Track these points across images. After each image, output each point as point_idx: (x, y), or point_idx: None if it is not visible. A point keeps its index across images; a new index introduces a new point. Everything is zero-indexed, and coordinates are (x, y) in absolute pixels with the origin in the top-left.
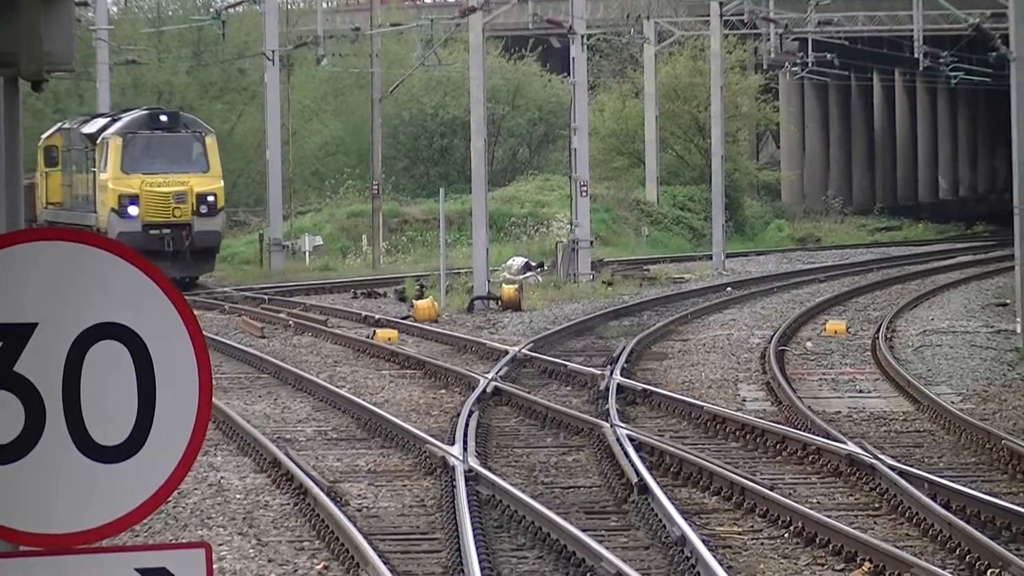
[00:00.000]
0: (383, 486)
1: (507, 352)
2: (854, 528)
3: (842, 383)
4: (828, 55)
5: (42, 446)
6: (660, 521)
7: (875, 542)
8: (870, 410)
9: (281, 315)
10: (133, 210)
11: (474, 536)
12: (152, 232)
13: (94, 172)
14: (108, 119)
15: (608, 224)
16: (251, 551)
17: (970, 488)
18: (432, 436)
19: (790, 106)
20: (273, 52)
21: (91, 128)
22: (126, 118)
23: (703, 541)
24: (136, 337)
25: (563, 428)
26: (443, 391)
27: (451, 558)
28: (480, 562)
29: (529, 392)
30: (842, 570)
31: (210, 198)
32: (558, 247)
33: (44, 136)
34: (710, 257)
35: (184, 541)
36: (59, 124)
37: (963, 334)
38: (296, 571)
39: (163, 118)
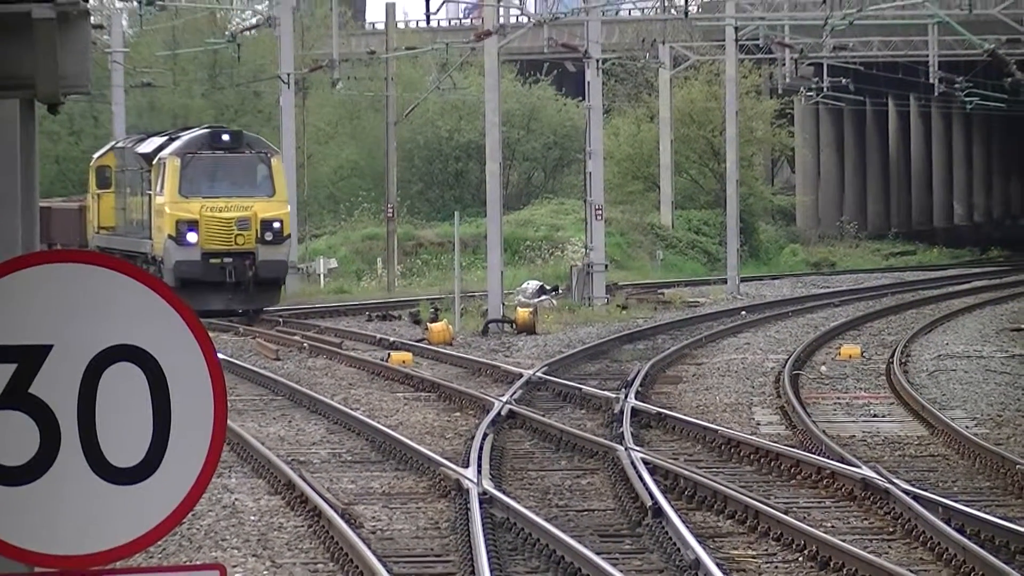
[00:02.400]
0: (397, 508)
1: (521, 375)
2: (868, 552)
3: (856, 407)
4: (843, 80)
5: (57, 467)
6: (674, 544)
7: (889, 566)
8: (884, 434)
9: (296, 337)
10: (192, 237)
11: (488, 559)
12: (212, 261)
13: (150, 195)
14: (166, 138)
15: (623, 248)
16: (265, 573)
17: (984, 512)
18: (447, 459)
19: (805, 131)
20: (288, 75)
21: (147, 147)
22: (185, 137)
23: (717, 564)
24: (151, 359)
25: (577, 451)
26: (457, 414)
27: None
28: None
29: (543, 415)
30: None
31: (276, 224)
32: (573, 270)
33: (96, 155)
34: (725, 281)
35: (198, 563)
36: (112, 142)
37: (978, 359)
38: None
39: (225, 137)
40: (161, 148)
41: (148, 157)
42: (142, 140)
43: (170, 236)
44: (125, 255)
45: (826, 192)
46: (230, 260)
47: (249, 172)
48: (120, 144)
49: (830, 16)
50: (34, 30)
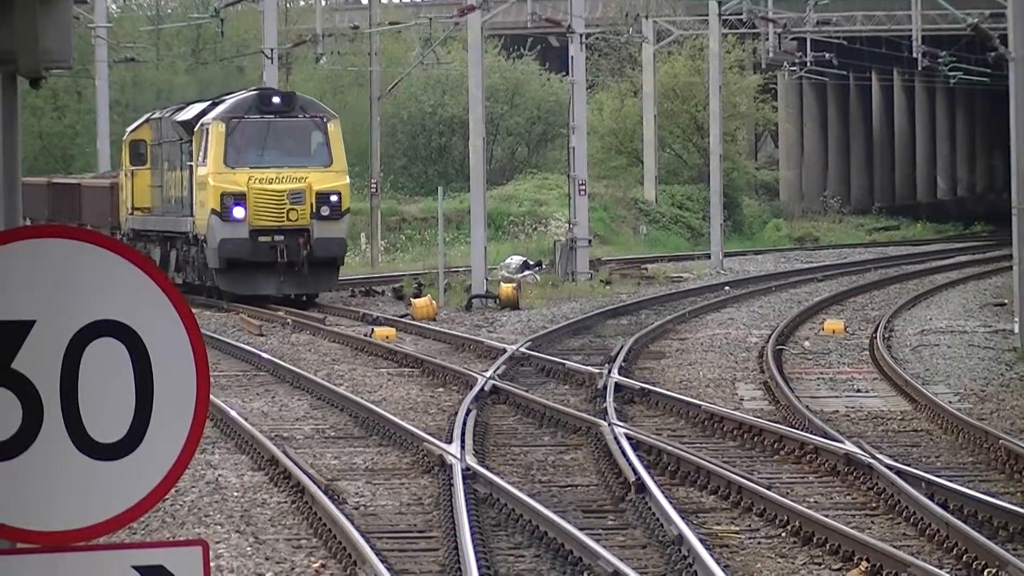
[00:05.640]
0: (380, 484)
1: (505, 351)
2: (851, 527)
3: (840, 382)
4: (826, 55)
5: (39, 443)
6: (657, 520)
7: (872, 541)
8: (868, 409)
9: (279, 313)
10: (239, 212)
11: (471, 534)
12: (262, 239)
13: (190, 167)
14: (208, 103)
15: (606, 223)
16: (248, 549)
17: (968, 487)
18: (430, 434)
19: (788, 106)
20: (272, 50)
21: (187, 115)
22: (230, 100)
23: (700, 540)
24: (133, 334)
25: (561, 427)
26: (441, 389)
27: (448, 556)
28: (477, 561)
29: (527, 391)
30: (839, 569)
31: (333, 198)
32: (556, 246)
33: (130, 129)
34: (708, 256)
35: (181, 539)
36: (148, 114)
37: (961, 334)
38: (293, 569)
39: (276, 99)
40: (203, 114)
41: (188, 125)
42: (181, 108)
43: (214, 211)
44: (163, 236)
45: (809, 167)
46: (281, 238)
47: (303, 139)
48: (156, 115)
49: None
50: (15, 4)
